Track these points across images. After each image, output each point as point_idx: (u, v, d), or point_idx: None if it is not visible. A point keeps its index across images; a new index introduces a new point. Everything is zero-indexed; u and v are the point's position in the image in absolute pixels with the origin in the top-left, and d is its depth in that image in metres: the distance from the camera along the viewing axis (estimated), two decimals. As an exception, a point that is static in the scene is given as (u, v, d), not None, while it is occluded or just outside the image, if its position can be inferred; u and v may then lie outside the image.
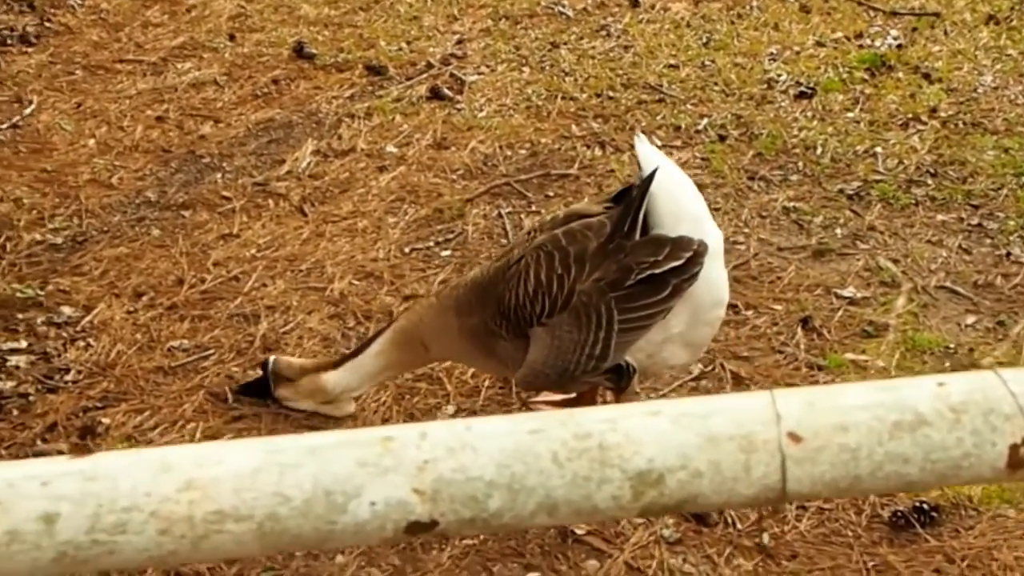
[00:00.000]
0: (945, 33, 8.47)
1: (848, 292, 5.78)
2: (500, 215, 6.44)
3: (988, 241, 6.21)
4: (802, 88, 7.67)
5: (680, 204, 4.39)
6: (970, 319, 5.64)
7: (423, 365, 5.20)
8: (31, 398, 5.19)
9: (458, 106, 7.53)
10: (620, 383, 4.62)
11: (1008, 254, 6.09)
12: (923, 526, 4.46)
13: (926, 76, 7.84)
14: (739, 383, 5.22)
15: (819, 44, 8.32)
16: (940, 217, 6.41)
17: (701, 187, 4.74)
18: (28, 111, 7.46)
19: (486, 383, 5.22)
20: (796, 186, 6.67)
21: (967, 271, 5.96)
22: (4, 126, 7.31)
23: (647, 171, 4.30)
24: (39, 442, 4.93)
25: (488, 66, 8.04)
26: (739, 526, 4.52)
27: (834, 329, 5.53)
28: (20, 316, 5.67)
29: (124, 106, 7.57)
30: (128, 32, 8.53)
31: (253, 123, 7.39)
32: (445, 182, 6.74)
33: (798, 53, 8.19)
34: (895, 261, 6.02)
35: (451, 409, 5.09)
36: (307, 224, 6.37)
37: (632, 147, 6.82)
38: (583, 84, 7.80)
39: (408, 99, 7.62)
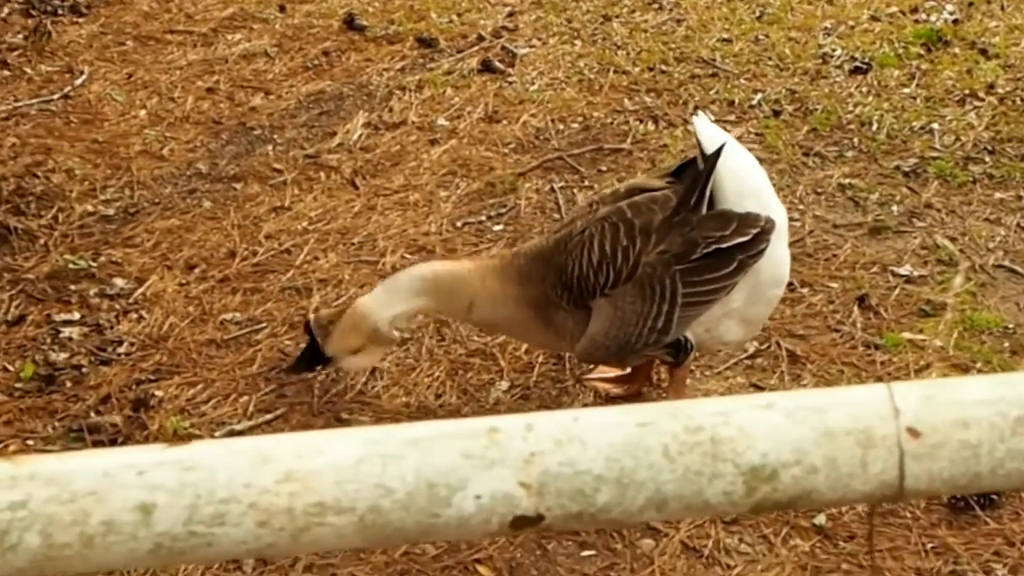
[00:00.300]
0: (1002, 8, 8.34)
1: (905, 270, 5.71)
2: (553, 189, 6.38)
3: (1047, 220, 6.14)
4: (857, 63, 7.56)
5: (745, 181, 4.37)
6: (1029, 299, 5.58)
7: (456, 320, 5.14)
8: (84, 370, 5.19)
9: (509, 79, 7.46)
10: (678, 358, 4.60)
11: (1068, 233, 6.01)
12: (983, 508, 4.42)
13: (983, 52, 7.73)
14: (795, 361, 5.17)
15: (874, 18, 8.20)
16: (998, 195, 6.32)
17: (755, 163, 4.69)
18: (79, 82, 7.44)
19: (539, 359, 5.19)
20: (851, 162, 6.59)
21: (1026, 250, 5.89)
22: (56, 96, 7.29)
23: (709, 148, 4.26)
24: (92, 414, 4.93)
25: (539, 39, 7.96)
26: (797, 506, 4.47)
27: (891, 308, 5.46)
28: (72, 288, 5.66)
29: (175, 77, 7.54)
30: (178, 3, 8.49)
31: (304, 95, 7.35)
32: (497, 156, 6.69)
33: (852, 27, 8.08)
34: (952, 239, 5.94)
35: (504, 385, 5.06)
36: (359, 197, 6.33)
37: (686, 122, 6.81)
38: (635, 58, 7.71)
39: (459, 72, 7.56)
